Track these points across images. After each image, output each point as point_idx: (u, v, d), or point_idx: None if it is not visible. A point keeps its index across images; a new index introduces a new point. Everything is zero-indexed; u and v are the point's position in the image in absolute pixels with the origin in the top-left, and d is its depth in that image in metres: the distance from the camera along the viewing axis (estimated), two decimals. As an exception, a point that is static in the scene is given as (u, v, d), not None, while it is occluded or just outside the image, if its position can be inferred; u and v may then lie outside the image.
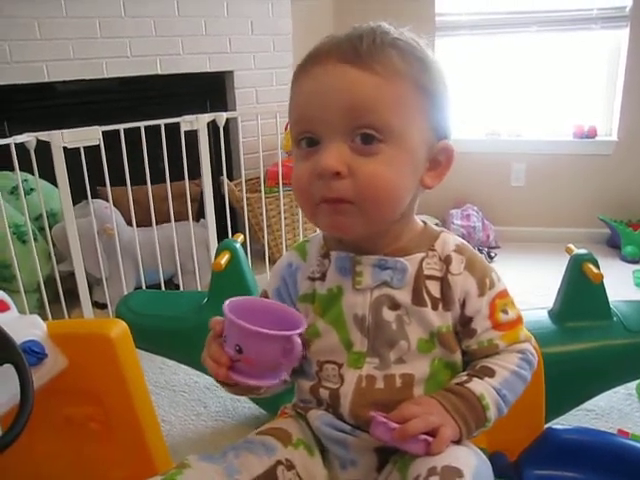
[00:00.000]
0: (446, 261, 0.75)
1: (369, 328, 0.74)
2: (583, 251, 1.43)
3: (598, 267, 1.39)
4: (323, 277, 0.78)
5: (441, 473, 0.64)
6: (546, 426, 1.09)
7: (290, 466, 0.75)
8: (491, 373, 0.74)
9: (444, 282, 0.74)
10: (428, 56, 0.72)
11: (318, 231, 0.84)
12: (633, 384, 1.69)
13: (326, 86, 0.67)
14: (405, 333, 0.74)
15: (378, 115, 0.66)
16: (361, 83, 0.66)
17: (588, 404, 1.51)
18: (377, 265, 0.74)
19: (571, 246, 1.49)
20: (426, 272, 0.74)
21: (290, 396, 0.87)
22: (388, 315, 0.74)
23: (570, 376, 1.34)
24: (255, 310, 0.69)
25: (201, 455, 0.74)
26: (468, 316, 0.75)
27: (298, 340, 0.67)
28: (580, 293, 1.42)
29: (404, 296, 0.74)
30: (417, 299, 0.74)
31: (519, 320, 0.77)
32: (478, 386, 0.73)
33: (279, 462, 0.75)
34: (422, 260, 0.75)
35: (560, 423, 1.42)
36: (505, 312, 0.76)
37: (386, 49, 0.68)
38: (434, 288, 0.74)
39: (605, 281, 1.39)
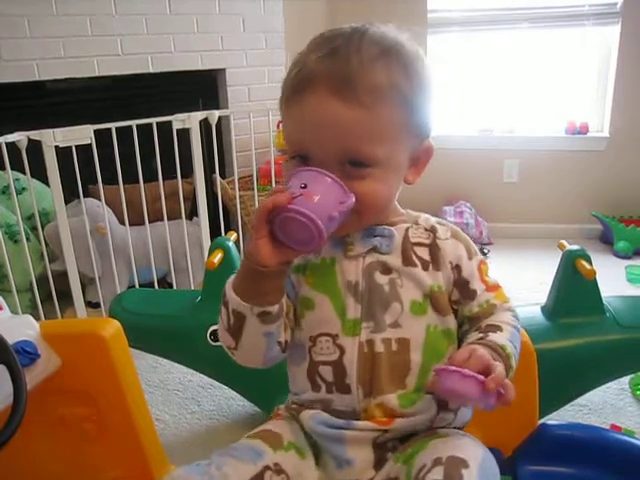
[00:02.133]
0: (432, 230, 0.80)
1: (362, 293, 0.76)
2: (576, 247, 1.44)
3: (591, 263, 1.39)
4: None
5: (446, 463, 0.64)
6: (540, 422, 1.09)
7: (279, 470, 0.75)
8: (499, 329, 0.76)
9: (432, 247, 0.79)
10: (412, 58, 0.73)
11: None
12: (626, 379, 1.71)
13: (315, 121, 0.70)
14: (398, 295, 0.76)
15: (366, 149, 0.70)
16: (347, 120, 0.69)
17: (581, 399, 1.52)
18: (366, 234, 0.78)
19: (564, 242, 1.49)
20: (412, 240, 0.79)
21: (284, 397, 0.87)
22: (381, 279, 0.77)
23: (564, 372, 1.35)
24: None
25: (186, 467, 0.73)
26: (465, 278, 0.79)
27: (351, 204, 0.69)
28: (573, 289, 1.42)
29: (394, 260, 0.77)
30: (407, 261, 0.77)
31: (498, 283, 0.82)
32: (499, 338, 0.74)
33: (267, 467, 0.74)
34: (407, 229, 0.79)
35: (554, 419, 1.43)
36: (488, 276, 0.81)
37: (371, 70, 0.69)
38: (422, 252, 0.78)
39: (598, 277, 1.39)
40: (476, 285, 0.79)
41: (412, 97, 0.72)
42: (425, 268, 0.77)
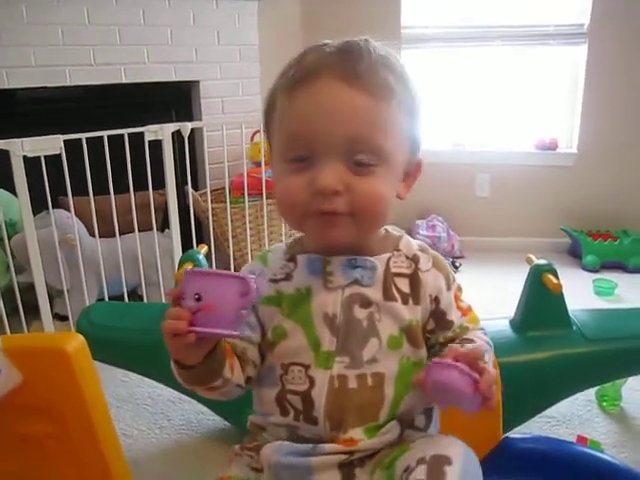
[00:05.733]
0: (414, 259, 0.79)
1: (339, 327, 0.75)
2: (543, 261, 1.46)
3: (557, 277, 1.41)
4: (288, 277, 0.78)
5: (429, 461, 0.64)
6: (504, 435, 1.10)
7: None
8: (473, 342, 0.77)
9: (413, 278, 0.77)
10: (408, 73, 0.75)
11: (284, 241, 0.85)
12: (592, 390, 1.73)
13: (326, 106, 0.69)
14: (376, 330, 0.75)
15: (374, 139, 0.69)
16: (360, 106, 0.68)
17: (549, 411, 1.53)
18: (347, 265, 0.76)
19: (531, 256, 1.52)
20: (393, 270, 0.77)
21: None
22: (359, 313, 0.75)
23: (531, 384, 1.36)
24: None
25: None
26: (443, 310, 0.78)
27: (254, 284, 0.66)
28: (540, 303, 1.44)
29: (374, 293, 0.75)
30: (387, 295, 0.76)
31: (470, 306, 0.83)
32: (481, 348, 0.74)
33: None
34: (389, 259, 0.78)
35: (522, 431, 1.44)
36: (462, 301, 0.82)
37: (379, 68, 0.70)
38: (403, 284, 0.77)
39: (566, 290, 1.42)
40: (453, 316, 0.79)
41: (410, 108, 0.74)
42: (405, 302, 0.76)
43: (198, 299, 0.65)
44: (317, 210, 0.70)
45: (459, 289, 0.82)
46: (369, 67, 0.69)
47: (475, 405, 0.66)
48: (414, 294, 0.77)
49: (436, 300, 0.78)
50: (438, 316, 0.78)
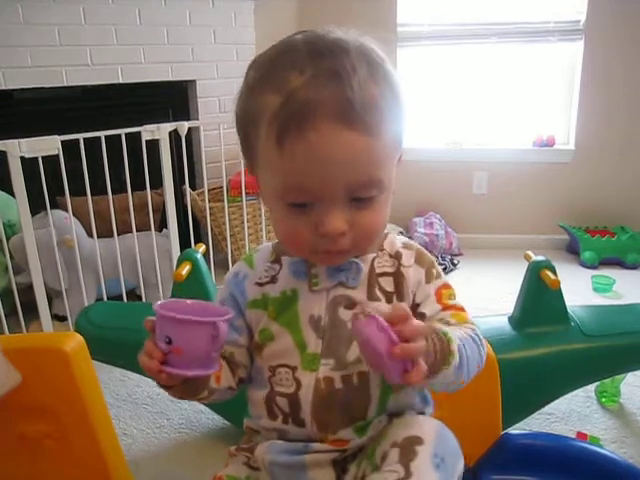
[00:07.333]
0: (397, 256, 0.78)
1: (324, 329, 0.75)
2: (541, 258, 1.46)
3: (556, 273, 1.42)
4: (273, 280, 0.79)
5: (401, 444, 0.65)
6: (503, 431, 1.10)
7: None
8: (449, 325, 0.73)
9: (397, 275, 0.77)
10: (390, 68, 0.71)
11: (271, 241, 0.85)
12: (592, 387, 1.73)
13: (329, 154, 0.64)
14: None
15: (373, 176, 0.67)
16: (358, 148, 0.64)
17: (548, 407, 1.54)
18: (332, 267, 0.75)
19: (529, 253, 1.52)
20: (378, 270, 0.77)
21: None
22: (344, 314, 0.75)
23: (530, 381, 1.36)
24: (184, 309, 0.70)
25: None
26: (417, 302, 0.77)
27: (224, 326, 0.67)
28: (538, 299, 1.44)
29: (359, 294, 0.75)
30: (371, 296, 0.76)
31: (463, 308, 0.79)
32: (443, 327, 0.69)
33: None
34: (373, 260, 0.77)
35: (520, 427, 1.44)
36: (450, 299, 0.78)
37: (369, 88, 0.64)
38: (387, 284, 0.77)
39: (564, 286, 1.42)
40: (427, 307, 0.76)
41: (398, 114, 0.70)
42: (389, 301, 0.76)
43: (169, 342, 0.66)
44: (324, 250, 0.70)
45: (445, 286, 0.79)
46: (360, 97, 0.63)
47: (394, 373, 0.61)
48: (398, 292, 0.76)
49: (413, 293, 0.77)
50: (413, 309, 0.77)
